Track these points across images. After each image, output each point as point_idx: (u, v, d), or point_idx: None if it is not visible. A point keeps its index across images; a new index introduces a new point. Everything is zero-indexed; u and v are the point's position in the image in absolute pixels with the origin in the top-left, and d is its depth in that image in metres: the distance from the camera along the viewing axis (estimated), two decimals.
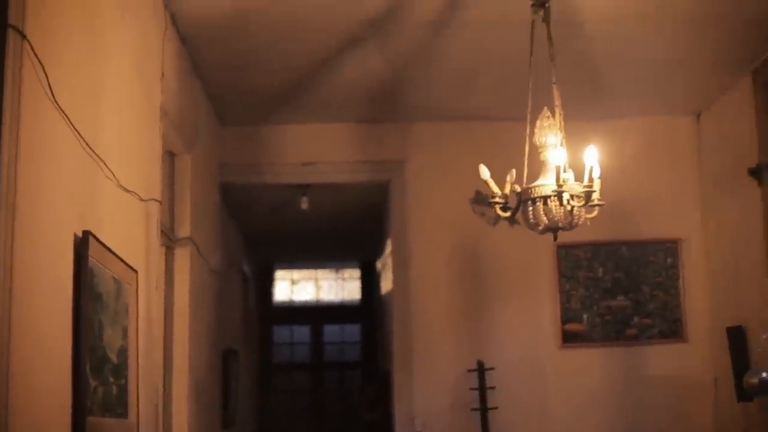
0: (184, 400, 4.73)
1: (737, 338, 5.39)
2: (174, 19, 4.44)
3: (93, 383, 2.87)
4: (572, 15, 4.46)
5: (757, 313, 5.19)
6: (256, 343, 10.95)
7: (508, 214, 3.83)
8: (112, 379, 3.11)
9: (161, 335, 4.21)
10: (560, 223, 3.67)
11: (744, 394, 5.08)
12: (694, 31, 4.81)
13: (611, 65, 5.26)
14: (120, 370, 3.22)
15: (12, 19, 2.32)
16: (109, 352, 3.08)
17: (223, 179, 6.09)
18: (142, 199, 3.70)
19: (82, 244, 2.82)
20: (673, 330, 6.04)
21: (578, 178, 3.68)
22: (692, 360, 5.98)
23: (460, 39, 4.82)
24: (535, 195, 3.68)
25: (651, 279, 6.09)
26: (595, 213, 3.74)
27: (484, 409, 5.72)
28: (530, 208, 3.70)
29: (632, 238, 6.11)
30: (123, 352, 3.27)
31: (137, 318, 3.48)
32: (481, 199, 5.74)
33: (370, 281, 12.32)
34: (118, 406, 3.18)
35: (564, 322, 6.05)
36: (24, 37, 2.37)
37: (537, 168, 3.84)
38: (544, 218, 3.67)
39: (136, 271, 3.49)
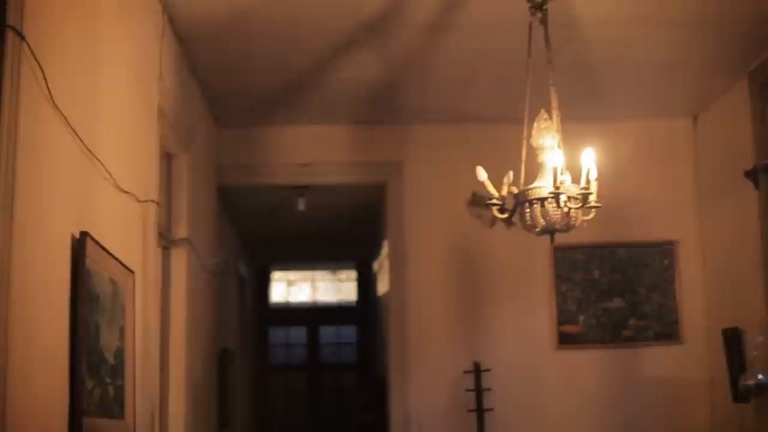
0: (180, 401, 4.72)
1: (733, 340, 5.40)
2: (171, 21, 4.44)
3: (90, 384, 2.87)
4: (570, 17, 4.47)
5: (752, 315, 5.20)
6: (253, 344, 10.95)
7: (505, 215, 3.83)
8: (108, 380, 3.11)
9: (158, 336, 4.21)
10: (557, 225, 3.67)
11: (740, 395, 5.10)
12: (691, 33, 4.82)
13: (608, 67, 5.27)
14: (117, 370, 3.22)
15: (10, 20, 2.32)
16: (105, 353, 3.08)
17: (220, 180, 6.09)
18: (139, 200, 3.70)
19: (80, 245, 2.82)
20: (669, 332, 6.05)
21: (575, 180, 3.69)
22: (688, 361, 5.99)
23: (457, 41, 4.82)
24: (532, 197, 3.69)
25: (647, 281, 6.10)
26: (592, 215, 3.75)
27: (480, 411, 5.73)
28: (527, 210, 3.71)
29: (628, 240, 6.12)
30: (120, 353, 3.27)
31: (134, 319, 3.48)
32: (478, 200, 5.73)
33: (366, 283, 12.33)
34: (114, 406, 3.18)
35: (560, 323, 6.05)
36: (22, 38, 2.37)
37: (534, 170, 3.85)
38: (541, 220, 3.67)
39: (133, 272, 3.49)
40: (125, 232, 3.55)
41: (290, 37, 4.75)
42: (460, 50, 4.97)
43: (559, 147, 3.77)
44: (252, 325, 10.91)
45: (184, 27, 4.55)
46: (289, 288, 12.97)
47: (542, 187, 3.69)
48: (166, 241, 4.72)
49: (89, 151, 2.98)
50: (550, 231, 3.72)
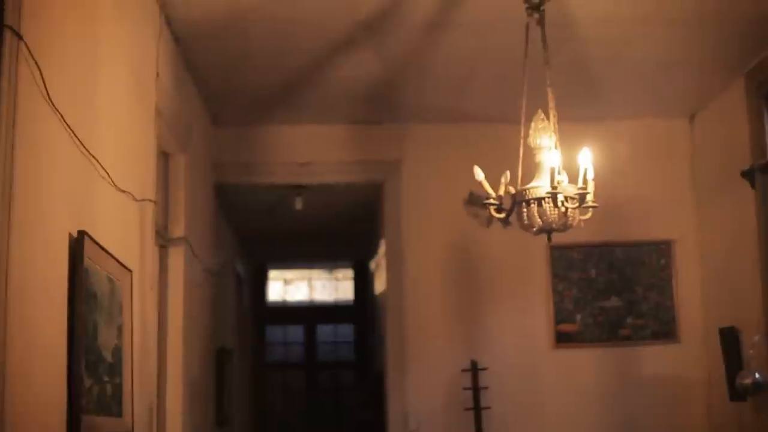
0: (178, 399, 4.73)
1: (730, 339, 5.41)
2: (169, 20, 4.44)
3: (88, 382, 2.87)
4: (567, 17, 4.47)
5: (749, 314, 5.21)
6: (250, 342, 10.96)
7: (502, 215, 3.84)
8: (106, 378, 3.11)
9: (155, 334, 4.22)
10: (554, 225, 3.68)
11: (737, 393, 5.11)
12: (688, 33, 4.82)
13: (606, 67, 5.27)
14: (115, 369, 3.22)
15: (8, 19, 2.32)
16: (103, 351, 3.09)
17: (217, 179, 6.09)
18: (136, 199, 3.70)
19: (78, 243, 2.83)
20: (666, 331, 6.06)
21: (572, 180, 3.70)
22: (685, 360, 6.00)
23: (455, 40, 4.83)
24: (530, 197, 3.69)
25: (644, 280, 6.11)
26: (589, 215, 3.76)
27: (477, 409, 5.74)
28: (524, 210, 3.71)
29: (625, 239, 6.13)
30: (118, 351, 3.27)
31: (132, 317, 3.49)
32: (475, 200, 5.74)
33: (363, 281, 12.34)
34: (113, 404, 3.19)
35: (557, 322, 6.06)
36: (20, 37, 2.37)
37: (531, 170, 3.85)
38: (539, 220, 3.68)
39: (130, 271, 3.50)
40: (123, 230, 3.56)
41: (288, 36, 4.75)
42: (458, 49, 4.98)
43: (556, 147, 3.77)
44: (249, 323, 10.92)
45: (181, 26, 4.55)
46: (287, 286, 12.98)
47: (539, 186, 3.70)
48: (163, 239, 4.72)
49: (86, 150, 2.98)
50: (547, 230, 3.72)
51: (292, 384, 12.85)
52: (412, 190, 6.21)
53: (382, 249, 7.21)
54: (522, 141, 3.92)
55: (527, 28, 3.95)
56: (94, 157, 3.07)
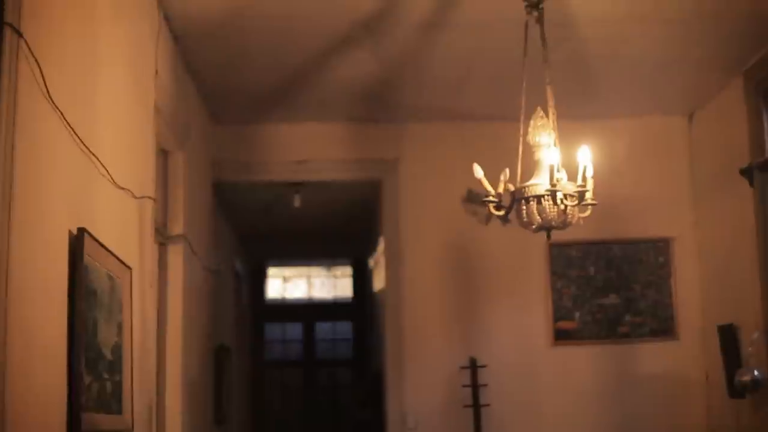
0: (177, 397, 4.74)
1: (728, 336, 5.42)
2: (167, 18, 4.44)
3: (88, 379, 2.88)
4: (565, 16, 4.47)
5: (748, 311, 5.22)
6: (249, 340, 10.96)
7: (501, 212, 3.84)
8: (106, 375, 3.12)
9: (155, 332, 4.22)
10: (553, 223, 3.68)
11: (736, 391, 5.12)
12: (687, 31, 4.83)
13: (604, 65, 5.27)
14: (114, 366, 3.23)
15: (8, 17, 2.33)
16: (103, 348, 3.09)
17: (215, 177, 6.09)
18: (135, 197, 3.71)
19: (77, 241, 2.83)
20: (664, 328, 6.07)
21: (571, 177, 3.70)
22: (684, 358, 6.01)
23: (453, 39, 4.83)
24: (529, 194, 3.69)
25: (642, 278, 6.12)
26: (588, 212, 3.76)
27: (476, 407, 5.75)
28: (524, 207, 3.72)
29: (624, 236, 6.13)
30: (117, 349, 3.28)
31: (131, 314, 3.49)
32: (474, 197, 5.74)
33: (362, 279, 12.34)
34: (112, 402, 3.19)
35: (556, 320, 6.07)
36: (20, 35, 2.37)
37: (530, 167, 3.86)
38: (538, 217, 3.68)
39: (130, 268, 3.50)
40: (122, 228, 3.56)
41: (286, 35, 4.76)
42: (456, 48, 4.98)
43: (555, 144, 3.78)
44: (248, 321, 10.92)
45: (180, 24, 4.55)
46: (285, 284, 12.98)
47: (539, 184, 3.70)
48: (162, 237, 4.73)
49: (86, 147, 2.99)
50: (546, 228, 3.73)
51: (290, 382, 12.86)
52: (411, 188, 6.21)
53: (380, 247, 7.22)
54: (521, 139, 3.92)
55: (526, 26, 3.95)
56: (93, 154, 3.07)
